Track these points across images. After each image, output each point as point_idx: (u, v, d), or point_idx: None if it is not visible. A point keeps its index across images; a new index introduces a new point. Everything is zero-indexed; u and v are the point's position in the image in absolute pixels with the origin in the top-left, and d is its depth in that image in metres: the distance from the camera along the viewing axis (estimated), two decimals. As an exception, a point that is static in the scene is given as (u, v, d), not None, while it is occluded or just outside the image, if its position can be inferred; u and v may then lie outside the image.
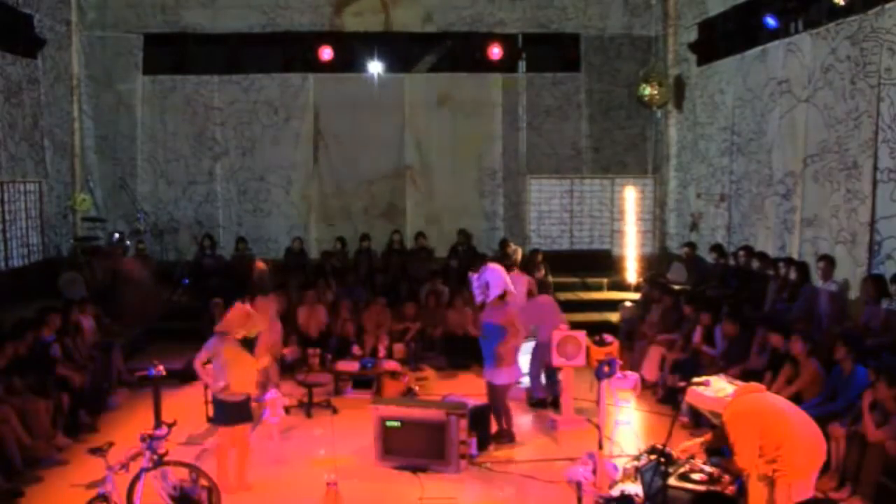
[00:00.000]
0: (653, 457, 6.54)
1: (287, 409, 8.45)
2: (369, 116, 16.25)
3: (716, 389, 6.43)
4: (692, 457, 6.34)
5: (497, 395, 8.87)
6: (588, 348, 9.45)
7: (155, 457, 6.38)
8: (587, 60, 16.50)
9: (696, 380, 6.40)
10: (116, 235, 14.78)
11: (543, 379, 10.15)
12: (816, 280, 10.19)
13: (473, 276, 9.59)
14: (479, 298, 9.59)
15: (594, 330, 10.99)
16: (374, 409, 8.27)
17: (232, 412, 7.43)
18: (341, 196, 16.50)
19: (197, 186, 16.33)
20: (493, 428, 8.85)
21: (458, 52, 16.51)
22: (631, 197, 15.82)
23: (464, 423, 7.96)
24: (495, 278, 8.97)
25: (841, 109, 10.41)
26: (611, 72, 16.47)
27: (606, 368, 8.45)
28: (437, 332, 12.27)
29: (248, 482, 7.62)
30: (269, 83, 16.26)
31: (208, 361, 7.56)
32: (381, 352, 11.37)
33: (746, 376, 8.24)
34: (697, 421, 8.83)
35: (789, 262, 10.64)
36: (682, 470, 6.27)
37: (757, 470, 5.69)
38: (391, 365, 10.80)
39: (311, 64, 16.17)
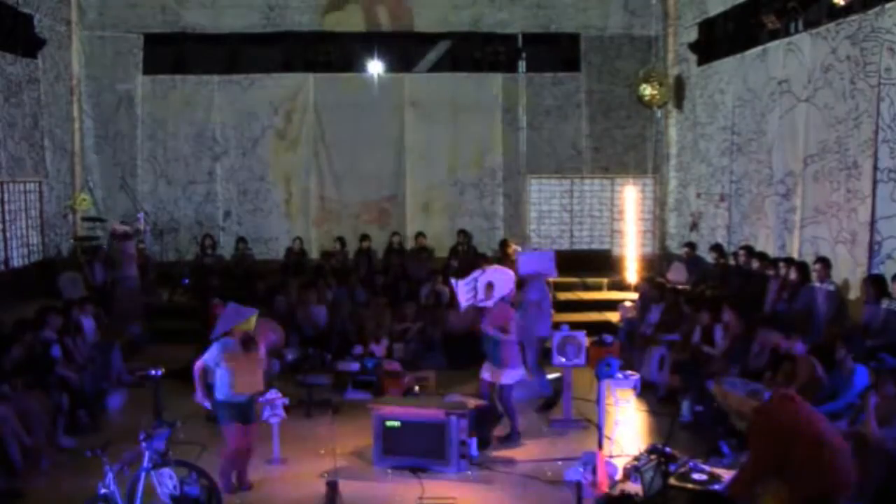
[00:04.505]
0: (653, 457, 6.55)
1: (287, 409, 8.43)
2: (369, 116, 16.27)
3: (747, 391, 6.41)
4: (692, 457, 6.36)
5: (504, 396, 8.86)
6: (588, 348, 9.46)
7: (155, 457, 6.37)
8: (587, 60, 16.48)
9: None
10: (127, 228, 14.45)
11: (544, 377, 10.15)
12: (815, 280, 10.20)
13: (457, 281, 9.58)
14: (465, 303, 9.57)
15: (594, 330, 11.03)
16: (374, 409, 8.27)
17: (236, 412, 7.43)
18: (341, 196, 16.49)
19: (197, 186, 16.32)
20: (496, 430, 8.85)
21: (458, 52, 16.51)
22: (631, 197, 15.80)
23: (464, 423, 7.96)
24: (503, 281, 8.95)
25: (841, 109, 10.41)
26: (611, 72, 16.46)
27: (606, 368, 8.47)
28: (437, 332, 12.26)
29: (249, 482, 7.64)
30: (269, 83, 16.28)
31: (206, 369, 7.51)
32: (381, 352, 11.36)
33: (746, 376, 8.25)
34: (698, 421, 8.84)
35: (789, 262, 10.63)
36: (682, 470, 6.27)
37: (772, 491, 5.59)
38: (391, 365, 10.80)
39: (311, 64, 16.19)
